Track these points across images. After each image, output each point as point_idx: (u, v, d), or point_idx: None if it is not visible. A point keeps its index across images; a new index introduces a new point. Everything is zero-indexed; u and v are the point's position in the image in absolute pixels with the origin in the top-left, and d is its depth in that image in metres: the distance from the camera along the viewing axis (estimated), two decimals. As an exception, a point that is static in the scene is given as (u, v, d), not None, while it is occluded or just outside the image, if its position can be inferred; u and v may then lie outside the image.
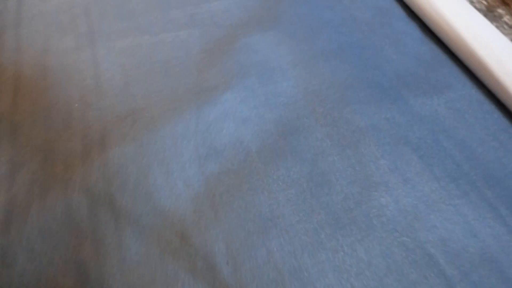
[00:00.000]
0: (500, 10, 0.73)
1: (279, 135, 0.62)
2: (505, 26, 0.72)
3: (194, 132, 0.62)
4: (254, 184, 0.57)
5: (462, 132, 0.64)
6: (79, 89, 0.66)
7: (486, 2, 0.75)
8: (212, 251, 0.52)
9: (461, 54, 0.71)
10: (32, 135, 0.61)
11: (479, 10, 0.76)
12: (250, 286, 0.50)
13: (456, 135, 0.64)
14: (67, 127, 0.61)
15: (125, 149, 0.59)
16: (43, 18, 0.75)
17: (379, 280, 0.50)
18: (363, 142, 0.62)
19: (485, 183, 0.58)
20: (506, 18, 0.72)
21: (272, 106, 0.66)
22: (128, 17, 0.75)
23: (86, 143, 0.60)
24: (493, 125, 0.64)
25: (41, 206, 0.55)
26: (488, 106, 0.67)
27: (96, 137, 0.61)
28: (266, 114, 0.65)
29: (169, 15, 0.77)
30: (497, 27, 0.73)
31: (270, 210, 0.55)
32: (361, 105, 0.66)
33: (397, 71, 0.70)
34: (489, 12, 0.75)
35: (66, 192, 0.55)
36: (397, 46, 0.74)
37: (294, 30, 0.76)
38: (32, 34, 0.72)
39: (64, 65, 0.70)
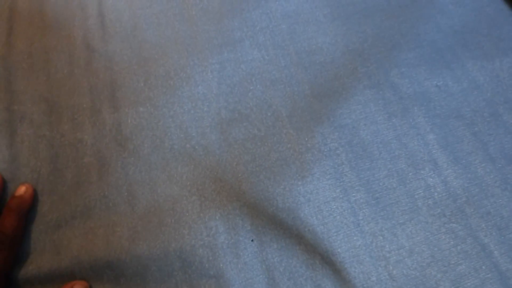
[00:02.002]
0: None
1: (314, 97, 0.55)
2: None
3: (217, 93, 0.55)
4: (284, 153, 0.51)
5: (527, 104, 0.56)
6: (81, 30, 0.58)
7: None
8: (235, 227, 0.47)
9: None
10: (31, 81, 0.55)
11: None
12: (277, 268, 0.46)
13: (520, 107, 0.56)
14: (70, 75, 0.55)
15: (139, 109, 0.52)
16: None
17: (421, 270, 0.46)
18: (411, 111, 0.55)
19: (551, 166, 0.51)
20: None
21: (306, 65, 0.58)
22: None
23: (94, 97, 0.54)
24: None
25: (50, 168, 0.49)
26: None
27: (105, 92, 0.54)
28: (298, 74, 0.57)
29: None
30: None
31: (302, 184, 0.49)
32: (409, 68, 0.58)
33: (454, 26, 0.61)
34: None
35: (77, 155, 0.50)
36: (454, -4, 0.64)
37: (335, -25, 0.66)
38: (31, -35, 0.63)
39: (65, 0, 0.61)
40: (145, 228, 0.47)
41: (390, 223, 0.48)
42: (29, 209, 0.47)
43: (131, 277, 0.45)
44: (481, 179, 0.51)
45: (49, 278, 0.45)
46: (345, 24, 0.63)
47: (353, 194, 0.49)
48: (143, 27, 0.62)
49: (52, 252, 0.46)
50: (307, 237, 0.47)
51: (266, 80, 0.57)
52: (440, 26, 0.63)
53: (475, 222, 0.48)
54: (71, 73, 0.57)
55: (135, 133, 0.52)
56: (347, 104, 0.55)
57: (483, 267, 0.46)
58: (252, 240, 0.46)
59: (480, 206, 0.49)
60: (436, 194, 0.50)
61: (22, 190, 0.46)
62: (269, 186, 0.49)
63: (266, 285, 0.44)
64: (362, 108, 0.55)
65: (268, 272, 0.45)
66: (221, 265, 0.45)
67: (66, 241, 0.47)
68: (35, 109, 0.54)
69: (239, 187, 0.49)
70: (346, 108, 0.55)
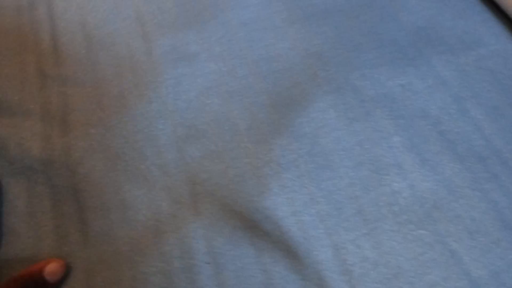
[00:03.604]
0: None
1: (272, 107, 0.54)
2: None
3: (172, 110, 0.54)
4: (241, 168, 0.50)
5: (495, 97, 0.55)
6: (34, 55, 0.58)
7: None
8: (189, 250, 0.46)
9: None
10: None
11: None
12: (234, 291, 0.44)
13: (488, 101, 0.54)
14: (24, 100, 0.54)
15: (90, 131, 0.51)
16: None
17: (387, 283, 0.44)
18: (373, 114, 0.53)
19: (521, 163, 0.49)
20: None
21: (264, 73, 0.57)
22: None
23: (45, 123, 0.53)
24: (534, 89, 0.55)
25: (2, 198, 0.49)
26: (529, 66, 0.57)
27: (57, 117, 0.54)
28: (257, 84, 0.56)
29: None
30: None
31: (259, 200, 0.48)
32: (371, 69, 0.56)
33: (417, 22, 0.60)
34: None
35: (29, 184, 0.49)
36: (417, -8, 0.63)
37: (291, -22, 0.66)
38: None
39: (17, 25, 0.61)
40: (99, 259, 0.46)
41: (353, 234, 0.47)
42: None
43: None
44: (449, 180, 0.49)
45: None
46: (304, 27, 0.62)
47: (314, 207, 0.48)
48: (97, 48, 0.61)
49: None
50: (265, 255, 0.45)
51: (224, 93, 0.56)
52: (402, 23, 0.62)
53: (443, 227, 0.46)
54: (24, 98, 0.57)
55: (86, 157, 0.51)
56: (306, 112, 0.54)
57: (453, 275, 0.44)
58: (207, 263, 0.45)
59: (448, 210, 0.47)
60: (401, 199, 0.48)
61: (51, 269, 0.42)
62: (226, 205, 0.48)
63: (222, 310, 0.43)
64: (322, 115, 0.54)
65: (225, 295, 0.44)
66: (177, 291, 0.44)
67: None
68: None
69: (195, 208, 0.48)
70: (305, 117, 0.54)
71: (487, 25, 0.61)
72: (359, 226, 0.47)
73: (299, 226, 0.47)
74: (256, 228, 0.47)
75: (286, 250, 0.46)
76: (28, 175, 0.50)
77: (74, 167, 0.50)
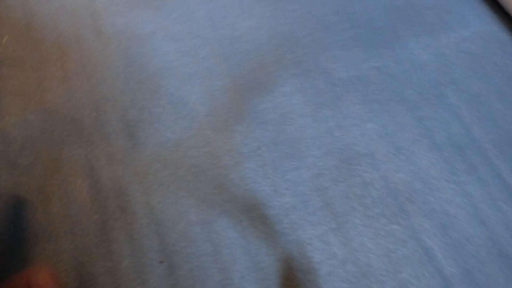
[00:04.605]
0: None
1: (235, 91, 0.50)
2: None
3: (122, 91, 0.49)
4: (199, 158, 0.46)
5: (476, 83, 0.52)
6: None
7: None
8: (141, 248, 0.42)
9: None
10: None
11: None
12: (188, 293, 0.40)
13: (468, 87, 0.51)
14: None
15: (30, 117, 0.46)
16: None
17: (356, 282, 0.41)
18: (345, 99, 0.50)
19: (499, 153, 0.47)
20: None
21: (228, 54, 0.53)
22: None
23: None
24: (517, 73, 0.52)
25: None
26: (512, 49, 0.54)
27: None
28: (219, 65, 0.52)
29: None
30: None
31: (218, 192, 0.44)
32: (343, 51, 0.53)
33: (393, 1, 0.56)
34: None
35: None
36: (395, -31, 0.59)
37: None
38: None
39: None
40: (39, 258, 0.41)
41: (320, 229, 0.43)
42: None
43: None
44: (425, 171, 0.46)
45: None
46: (272, 3, 0.58)
47: (278, 199, 0.44)
48: (40, 25, 0.56)
49: None
50: (223, 253, 0.41)
51: (182, 74, 0.52)
52: (379, 1, 0.58)
53: (418, 222, 0.43)
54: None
55: (27, 147, 0.46)
56: (272, 96, 0.50)
57: (426, 273, 0.41)
58: (160, 262, 0.41)
59: (423, 203, 0.44)
60: (374, 191, 0.45)
61: (40, 280, 0.37)
62: (181, 197, 0.44)
63: (173, 315, 0.39)
64: (289, 100, 0.50)
65: (177, 298, 0.40)
66: (124, 294, 0.39)
67: None
68: None
69: (147, 201, 0.44)
70: (271, 102, 0.50)
71: (470, 5, 0.57)
72: (327, 220, 0.43)
73: (261, 221, 0.43)
74: (214, 223, 0.43)
75: (247, 247, 0.42)
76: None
77: (14, 159, 0.45)
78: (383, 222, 0.44)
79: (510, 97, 0.50)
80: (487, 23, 0.57)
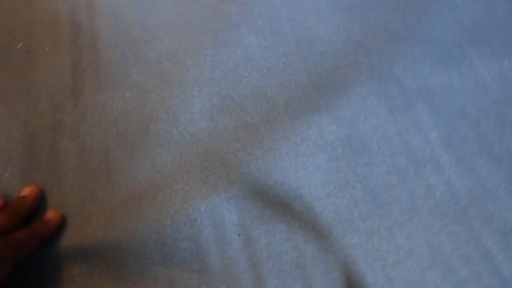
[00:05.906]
0: None
1: (312, 87, 0.55)
2: None
3: (209, 78, 0.54)
4: (277, 142, 0.50)
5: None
6: (67, 5, 0.57)
7: None
8: (221, 220, 0.46)
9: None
10: (10, 59, 0.53)
11: None
12: (264, 265, 0.44)
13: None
14: (52, 52, 0.53)
15: (126, 94, 0.51)
16: None
17: (421, 273, 0.44)
18: (414, 106, 0.54)
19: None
20: None
21: (305, 54, 0.58)
22: None
23: (77, 77, 0.52)
24: None
25: (25, 150, 0.48)
26: None
27: (88, 71, 0.53)
28: (296, 63, 0.56)
29: None
30: None
31: (295, 178, 0.48)
32: (414, 62, 0.57)
33: (462, 22, 0.61)
34: None
35: (55, 138, 0.48)
36: (463, -7, 0.64)
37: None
38: None
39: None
40: (123, 218, 0.45)
41: (388, 222, 0.47)
42: (31, 211, 0.44)
43: (105, 270, 0.43)
44: (485, 180, 0.50)
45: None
46: (347, 15, 0.63)
47: (349, 191, 0.48)
48: (132, 7, 0.61)
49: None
50: (297, 234, 0.45)
51: (262, 67, 0.57)
52: (447, 21, 0.63)
53: (478, 225, 0.47)
54: (53, 50, 0.56)
55: (120, 119, 0.51)
56: (347, 95, 0.55)
57: (486, 272, 0.45)
58: (239, 235, 0.45)
59: (484, 209, 0.48)
60: (438, 194, 0.49)
61: (24, 192, 0.44)
62: (260, 178, 0.48)
63: (251, 283, 0.43)
64: (363, 100, 0.54)
65: (255, 269, 0.43)
66: (205, 259, 0.43)
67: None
68: (10, 86, 0.52)
69: (228, 177, 0.48)
70: (346, 99, 0.54)
71: (531, 34, 0.62)
72: (394, 214, 0.47)
73: (332, 209, 0.47)
74: (289, 206, 0.47)
75: (319, 230, 0.46)
76: (56, 129, 0.50)
77: (108, 127, 0.50)
78: (446, 221, 0.48)
79: None
80: (545, 53, 0.62)
